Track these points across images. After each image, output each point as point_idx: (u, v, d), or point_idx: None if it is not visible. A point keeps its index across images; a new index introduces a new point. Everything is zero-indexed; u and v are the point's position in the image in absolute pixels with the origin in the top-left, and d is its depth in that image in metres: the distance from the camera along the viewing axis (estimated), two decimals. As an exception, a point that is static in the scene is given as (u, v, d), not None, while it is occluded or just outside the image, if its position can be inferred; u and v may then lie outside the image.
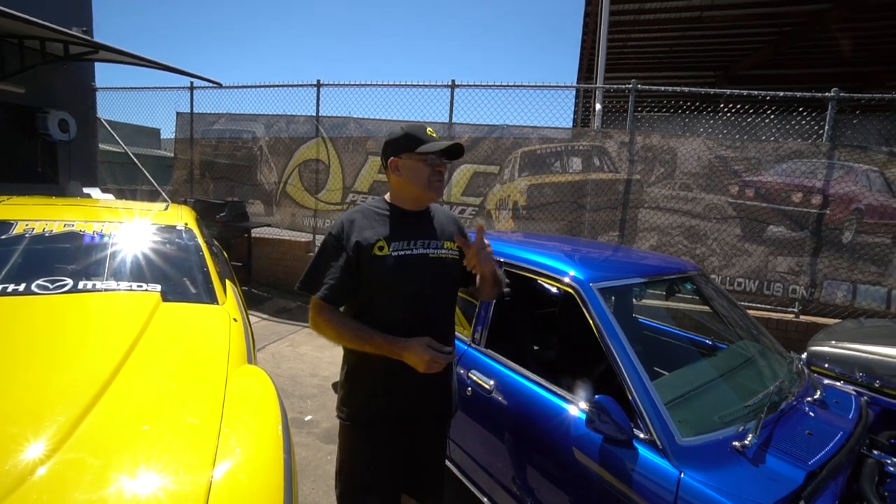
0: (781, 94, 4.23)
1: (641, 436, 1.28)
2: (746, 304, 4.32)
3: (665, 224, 4.64)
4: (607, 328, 1.46)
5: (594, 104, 6.79)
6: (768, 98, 4.31)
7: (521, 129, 5.05)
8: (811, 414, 1.50)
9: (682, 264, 2.20)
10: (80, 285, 1.98)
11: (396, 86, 5.46)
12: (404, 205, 1.31)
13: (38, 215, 2.36)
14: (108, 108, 7.51)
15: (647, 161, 4.65)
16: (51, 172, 6.86)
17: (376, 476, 1.30)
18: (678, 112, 4.77)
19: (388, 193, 1.35)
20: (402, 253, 1.23)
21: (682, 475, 1.16)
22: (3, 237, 2.18)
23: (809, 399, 1.59)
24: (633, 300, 2.68)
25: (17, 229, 2.23)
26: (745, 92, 4.43)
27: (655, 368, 2.06)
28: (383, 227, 1.26)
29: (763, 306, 4.35)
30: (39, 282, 1.94)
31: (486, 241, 1.23)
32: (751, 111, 4.47)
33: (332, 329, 1.23)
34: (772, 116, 4.42)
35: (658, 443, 1.23)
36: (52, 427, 1.20)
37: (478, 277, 1.36)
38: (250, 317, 3.20)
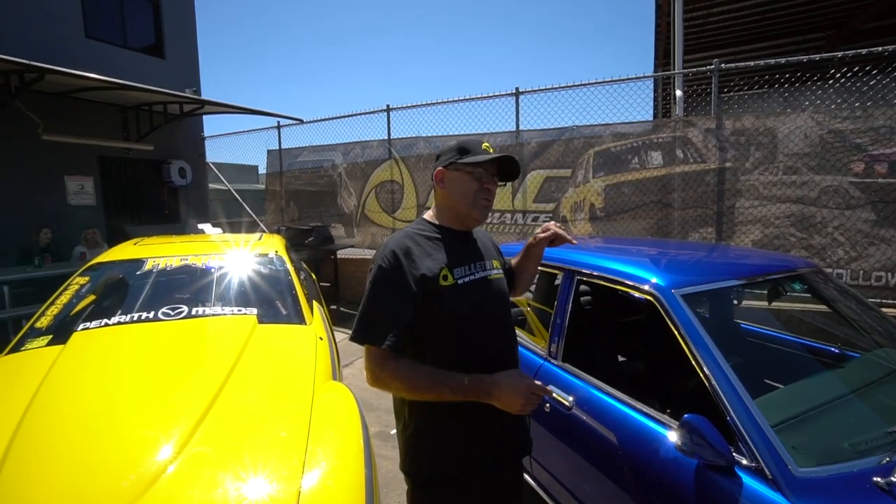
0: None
1: (745, 462, 1.11)
2: (890, 301, 3.61)
3: (770, 215, 4.07)
4: (694, 339, 1.30)
5: (674, 91, 6.27)
6: (897, 53, 3.59)
7: (591, 128, 4.82)
8: None
9: (790, 261, 1.90)
10: (194, 311, 2.27)
11: (461, 101, 5.54)
12: (452, 224, 1.17)
13: (160, 252, 2.76)
14: (215, 153, 8.66)
15: (739, 146, 4.14)
16: (174, 213, 8.04)
17: None
18: (778, 87, 4.19)
19: (430, 212, 1.22)
20: (467, 279, 1.10)
21: (802, 513, 0.98)
22: (137, 273, 2.59)
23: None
24: (734, 305, 2.38)
25: (147, 265, 2.63)
26: (863, 51, 3.76)
27: (767, 381, 1.79)
28: (439, 252, 1.10)
29: (914, 304, 3.59)
30: (164, 309, 2.27)
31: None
32: (874, 72, 3.77)
33: (402, 380, 1.02)
34: (905, 73, 3.68)
35: (767, 472, 1.06)
36: (176, 434, 1.41)
37: (516, 279, 1.40)
38: (338, 333, 3.42)
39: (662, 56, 9.20)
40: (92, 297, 2.41)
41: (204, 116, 8.22)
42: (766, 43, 9.80)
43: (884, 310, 2.60)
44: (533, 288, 2.40)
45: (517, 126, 5.19)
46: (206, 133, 8.50)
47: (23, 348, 2.01)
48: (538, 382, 1.02)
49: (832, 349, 1.92)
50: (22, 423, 1.44)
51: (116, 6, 7.10)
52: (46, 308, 2.30)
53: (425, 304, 1.05)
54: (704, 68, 4.21)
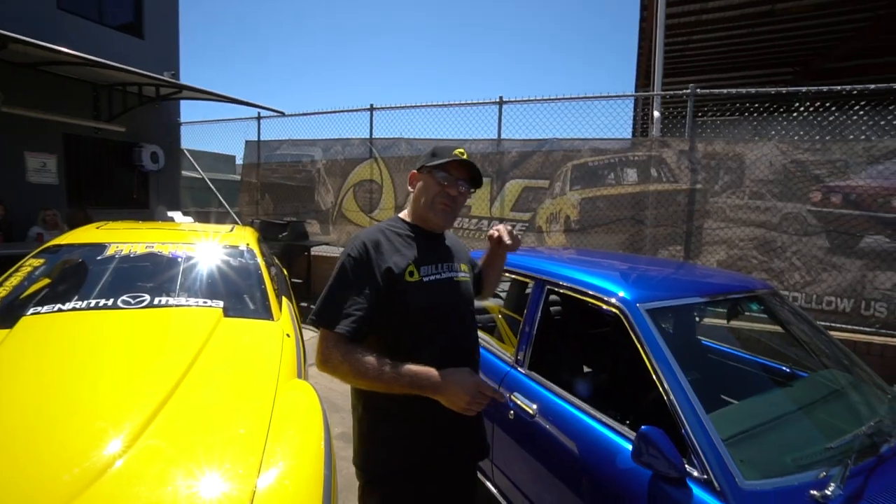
0: (873, 86, 3.77)
1: (696, 474, 1.15)
2: (840, 325, 3.81)
3: (735, 237, 4.26)
4: (655, 353, 1.35)
5: (651, 112, 6.48)
6: (855, 92, 3.84)
7: (571, 141, 4.93)
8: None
9: (749, 282, 1.99)
10: (156, 301, 2.19)
11: (445, 105, 5.57)
12: (422, 224, 1.21)
13: (125, 238, 2.66)
14: (190, 139, 8.40)
15: (710, 169, 4.32)
16: (143, 198, 7.75)
17: None
18: (748, 115, 4.39)
19: (405, 211, 1.26)
20: (432, 278, 1.13)
21: (745, 524, 1.02)
22: (98, 258, 2.48)
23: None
24: (697, 322, 2.47)
25: (109, 251, 2.52)
26: (824, 88, 3.99)
27: (723, 397, 1.87)
28: (409, 249, 1.14)
29: (862, 328, 3.80)
30: (125, 297, 2.18)
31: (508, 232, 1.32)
32: (833, 109, 4.02)
33: (350, 365, 1.02)
34: (860, 113, 3.94)
35: (715, 484, 1.10)
36: (127, 427, 1.34)
37: (483, 280, 1.42)
38: (307, 332, 3.36)
39: (643, 77, 9.52)
40: (46, 281, 2.28)
41: (181, 102, 7.97)
42: (739, 73, 10.32)
43: (832, 333, 2.75)
44: (504, 295, 2.43)
45: (499, 134, 5.26)
46: (183, 119, 8.24)
47: (-36, 331, 1.89)
48: (490, 384, 1.03)
49: (784, 368, 2.02)
50: (-43, 410, 1.35)
51: (93, -21, 6.82)
52: (-6, 290, 2.17)
53: (388, 298, 1.07)
54: (681, 92, 4.37)
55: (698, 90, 4.22)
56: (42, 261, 2.41)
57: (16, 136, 6.01)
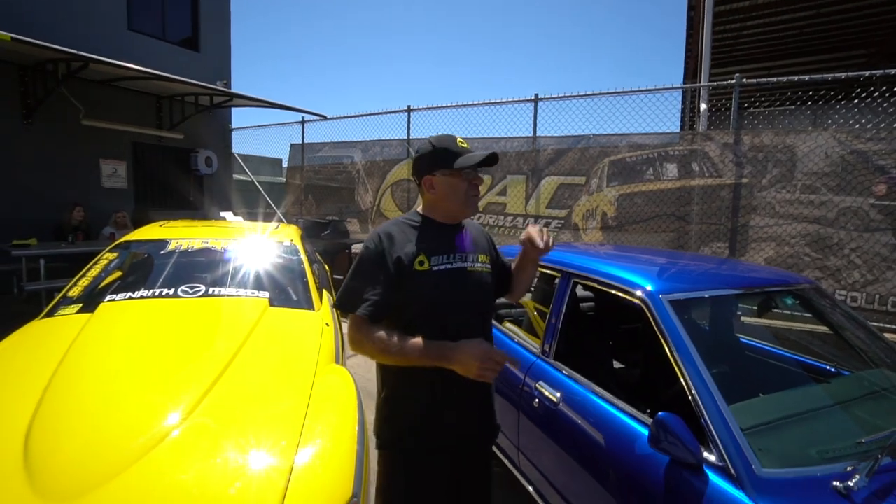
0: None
1: (713, 460, 1.16)
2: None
3: (785, 233, 4.03)
4: (676, 341, 1.35)
5: (698, 104, 6.21)
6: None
7: (608, 137, 4.84)
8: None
9: (789, 277, 1.92)
10: (210, 291, 2.41)
11: (480, 104, 5.63)
12: (439, 218, 1.27)
13: (183, 235, 2.93)
14: (238, 145, 8.95)
15: (757, 163, 4.11)
16: (198, 200, 8.34)
17: None
18: (805, 104, 4.10)
19: (421, 207, 1.32)
20: (442, 267, 1.20)
21: (760, 510, 1.03)
22: (161, 252, 2.75)
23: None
24: (738, 321, 2.39)
25: (171, 246, 2.79)
26: (892, 71, 3.69)
27: (756, 393, 1.82)
28: (421, 241, 1.21)
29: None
30: (184, 287, 2.41)
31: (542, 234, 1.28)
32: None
33: (374, 342, 1.13)
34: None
35: (732, 470, 1.11)
36: (184, 402, 1.52)
37: (513, 281, 1.41)
38: (346, 325, 3.53)
39: (693, 69, 9.05)
40: (119, 272, 2.57)
41: (232, 108, 8.50)
42: (804, 59, 9.39)
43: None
44: (533, 289, 2.46)
45: (534, 132, 5.25)
46: (233, 125, 8.79)
47: (56, 314, 2.18)
48: (499, 350, 1.10)
49: (828, 367, 1.93)
50: (52, 379, 1.58)
51: (158, 1, 7.43)
52: (78, 280, 2.47)
53: (400, 285, 1.17)
54: (725, 83, 4.19)
55: (744, 80, 4.02)
56: (116, 255, 2.71)
57: (93, 146, 6.68)
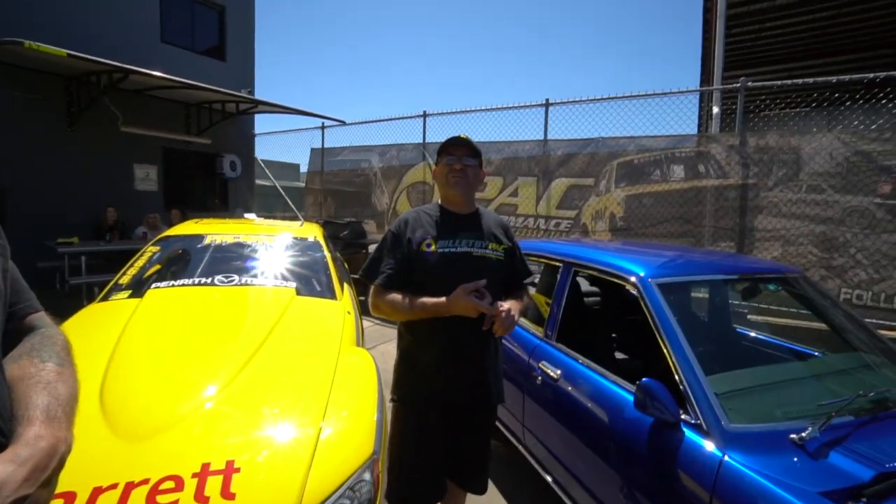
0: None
1: (690, 420, 1.32)
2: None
3: (791, 233, 4.11)
4: (660, 317, 1.52)
5: (709, 107, 6.29)
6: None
7: (616, 140, 4.98)
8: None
9: (777, 266, 2.07)
10: (243, 280, 2.65)
11: (493, 109, 5.83)
12: (450, 207, 1.49)
13: (217, 230, 3.19)
14: (261, 150, 9.33)
15: (762, 164, 4.21)
16: (223, 203, 8.72)
17: (421, 456, 1.44)
18: (816, 107, 4.15)
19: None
20: (446, 250, 1.40)
21: (726, 457, 1.19)
22: (198, 246, 3.01)
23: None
24: (732, 309, 2.52)
25: (206, 240, 3.05)
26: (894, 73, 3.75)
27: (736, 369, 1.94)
28: (432, 226, 1.44)
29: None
30: (219, 277, 2.66)
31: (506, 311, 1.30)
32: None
33: (387, 304, 1.38)
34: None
35: (704, 426, 1.27)
36: (223, 375, 1.73)
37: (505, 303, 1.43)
38: (364, 322, 3.74)
39: (708, 70, 9.00)
40: (161, 264, 2.84)
41: (255, 115, 8.88)
42: (824, 59, 9.09)
43: None
44: (538, 281, 2.64)
45: (545, 135, 5.42)
46: (257, 130, 9.17)
47: (110, 298, 2.45)
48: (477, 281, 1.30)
49: (815, 353, 2.05)
50: (115, 349, 1.83)
51: (188, 14, 7.86)
52: (126, 269, 2.74)
53: (410, 263, 1.41)
54: (731, 86, 4.30)
55: (749, 83, 4.13)
56: (158, 248, 2.98)
57: (128, 151, 7.10)
